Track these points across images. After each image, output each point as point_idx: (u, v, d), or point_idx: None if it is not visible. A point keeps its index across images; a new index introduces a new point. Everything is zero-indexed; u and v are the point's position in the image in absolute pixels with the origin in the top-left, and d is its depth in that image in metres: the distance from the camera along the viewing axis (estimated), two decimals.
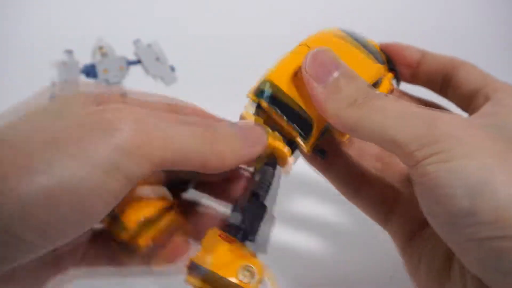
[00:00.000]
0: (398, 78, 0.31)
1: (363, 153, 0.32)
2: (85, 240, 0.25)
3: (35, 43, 0.74)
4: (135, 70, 0.53)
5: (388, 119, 0.22)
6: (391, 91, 0.30)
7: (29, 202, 0.18)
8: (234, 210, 0.25)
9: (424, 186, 0.21)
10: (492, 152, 0.20)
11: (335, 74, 0.24)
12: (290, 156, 0.26)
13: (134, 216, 0.24)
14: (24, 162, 0.19)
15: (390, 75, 0.30)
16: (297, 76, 0.26)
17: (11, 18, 0.77)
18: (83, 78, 0.50)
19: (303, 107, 0.25)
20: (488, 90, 0.26)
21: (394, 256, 0.28)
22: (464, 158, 0.20)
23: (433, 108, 0.23)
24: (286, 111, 0.25)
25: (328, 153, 0.29)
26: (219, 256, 0.24)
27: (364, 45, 0.28)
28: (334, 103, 0.24)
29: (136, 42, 0.53)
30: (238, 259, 0.24)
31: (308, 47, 0.26)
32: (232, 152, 0.23)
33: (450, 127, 0.21)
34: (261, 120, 0.26)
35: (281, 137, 0.26)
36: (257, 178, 0.26)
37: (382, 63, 0.29)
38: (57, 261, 0.25)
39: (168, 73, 0.55)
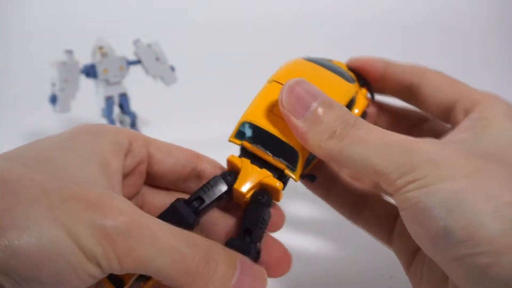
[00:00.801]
0: (372, 91, 0.31)
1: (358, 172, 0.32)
2: None
3: (35, 43, 0.74)
4: (135, 70, 0.54)
5: (368, 149, 0.23)
6: (367, 106, 0.30)
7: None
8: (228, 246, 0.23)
9: (406, 212, 0.22)
10: (466, 172, 0.21)
11: (314, 105, 0.24)
12: (283, 189, 0.26)
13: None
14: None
15: (363, 91, 0.30)
16: (273, 112, 0.26)
17: (11, 18, 0.77)
18: (83, 78, 0.50)
19: (285, 140, 0.25)
20: (467, 103, 0.26)
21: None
22: (440, 182, 0.21)
23: (409, 136, 0.23)
24: (270, 147, 0.25)
25: (321, 177, 0.29)
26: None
27: (331, 69, 0.29)
28: (315, 136, 0.24)
29: (136, 42, 0.53)
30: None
31: (280, 83, 0.26)
32: None
33: (426, 153, 0.22)
34: (248, 161, 0.26)
35: (271, 174, 0.26)
36: (250, 214, 0.25)
37: (353, 81, 0.29)
38: None
39: (168, 73, 0.55)
